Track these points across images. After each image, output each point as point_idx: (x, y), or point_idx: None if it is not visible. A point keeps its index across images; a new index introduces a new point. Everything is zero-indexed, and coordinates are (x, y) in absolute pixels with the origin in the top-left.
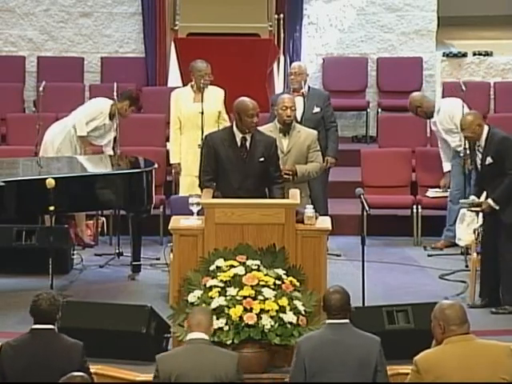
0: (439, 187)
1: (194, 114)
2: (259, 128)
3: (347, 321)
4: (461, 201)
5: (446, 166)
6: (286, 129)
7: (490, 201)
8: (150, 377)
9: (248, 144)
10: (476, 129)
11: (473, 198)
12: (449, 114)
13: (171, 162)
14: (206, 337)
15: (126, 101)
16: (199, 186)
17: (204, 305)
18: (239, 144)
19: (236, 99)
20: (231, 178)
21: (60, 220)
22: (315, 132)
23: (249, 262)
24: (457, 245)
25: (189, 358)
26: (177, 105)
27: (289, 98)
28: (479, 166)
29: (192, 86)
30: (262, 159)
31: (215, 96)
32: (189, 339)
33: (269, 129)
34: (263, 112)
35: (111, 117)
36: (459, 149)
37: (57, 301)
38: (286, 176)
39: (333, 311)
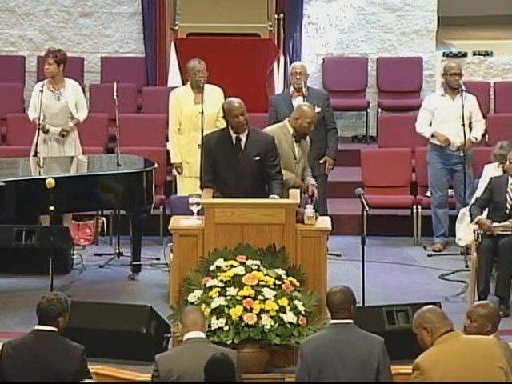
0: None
1: (195, 115)
2: (267, 129)
3: (350, 321)
4: (495, 226)
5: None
6: (300, 137)
7: None
8: (150, 377)
9: (243, 144)
10: None
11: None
12: (470, 107)
13: (172, 161)
14: (203, 335)
15: None
16: (200, 186)
17: (204, 305)
18: (234, 143)
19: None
20: (227, 178)
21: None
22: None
23: (249, 262)
24: (456, 244)
25: (189, 357)
26: (177, 105)
27: (312, 112)
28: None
29: (191, 86)
30: (257, 158)
31: (214, 96)
32: (187, 339)
33: (282, 131)
34: (263, 112)
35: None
36: (444, 143)
37: (59, 302)
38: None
39: (332, 309)
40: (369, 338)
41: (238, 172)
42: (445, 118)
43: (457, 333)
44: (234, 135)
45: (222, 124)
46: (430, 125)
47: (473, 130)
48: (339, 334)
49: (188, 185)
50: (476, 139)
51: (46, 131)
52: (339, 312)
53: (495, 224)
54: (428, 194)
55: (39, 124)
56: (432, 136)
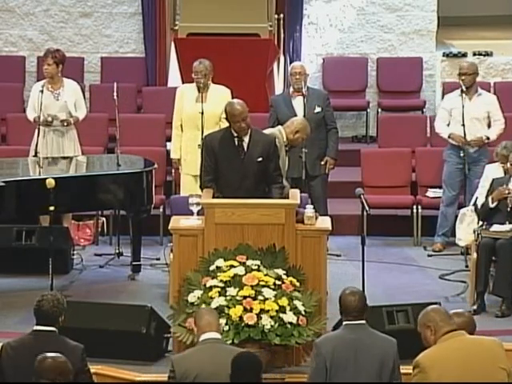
0: (440, 187)
1: (195, 113)
2: (266, 131)
3: (363, 322)
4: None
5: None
6: (290, 148)
7: None
8: (150, 377)
9: (246, 144)
10: None
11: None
12: (488, 106)
13: (171, 156)
14: (219, 336)
15: None
16: (200, 186)
17: (204, 305)
18: (237, 144)
19: (235, 99)
20: (230, 178)
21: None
22: None
23: (249, 262)
24: (456, 244)
25: (205, 358)
26: (180, 102)
27: (309, 129)
28: None
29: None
30: (260, 159)
31: (219, 96)
32: (202, 340)
33: (279, 136)
34: (263, 112)
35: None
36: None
37: (60, 304)
38: None
39: (349, 313)
40: (383, 339)
41: (241, 172)
42: (461, 118)
43: (460, 332)
44: (236, 136)
45: (225, 125)
46: (448, 124)
47: (490, 129)
48: (355, 335)
49: (186, 182)
50: (488, 139)
51: (50, 122)
52: (357, 315)
53: (496, 227)
54: (428, 193)
55: (39, 122)
56: (449, 137)
